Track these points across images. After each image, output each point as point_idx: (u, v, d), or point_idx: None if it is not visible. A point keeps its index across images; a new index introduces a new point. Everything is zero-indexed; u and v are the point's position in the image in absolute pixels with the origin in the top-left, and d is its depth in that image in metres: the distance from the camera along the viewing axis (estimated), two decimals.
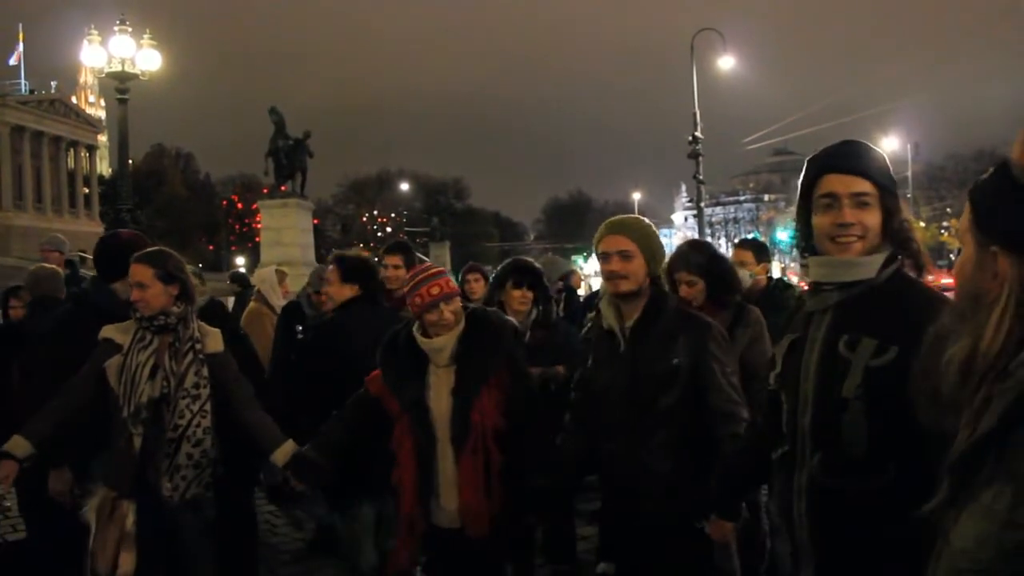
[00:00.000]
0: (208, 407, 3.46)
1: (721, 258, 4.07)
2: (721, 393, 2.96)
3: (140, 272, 3.45)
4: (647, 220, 3.18)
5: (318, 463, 3.38)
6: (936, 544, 1.39)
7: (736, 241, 6.63)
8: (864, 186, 2.14)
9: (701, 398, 2.97)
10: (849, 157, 2.18)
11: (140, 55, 16.04)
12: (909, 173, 58.00)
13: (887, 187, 2.16)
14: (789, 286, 5.23)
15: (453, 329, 3.17)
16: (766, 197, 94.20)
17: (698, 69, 26.18)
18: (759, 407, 3.41)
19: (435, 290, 3.13)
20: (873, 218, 2.14)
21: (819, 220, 2.19)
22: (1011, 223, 1.29)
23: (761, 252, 5.03)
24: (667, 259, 4.02)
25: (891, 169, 2.22)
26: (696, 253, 3.96)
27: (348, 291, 4.35)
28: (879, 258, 2.13)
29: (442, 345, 3.15)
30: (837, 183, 2.16)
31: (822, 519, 2.13)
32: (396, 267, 4.93)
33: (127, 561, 3.33)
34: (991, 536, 1.21)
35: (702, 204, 27.96)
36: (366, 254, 4.91)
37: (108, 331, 3.51)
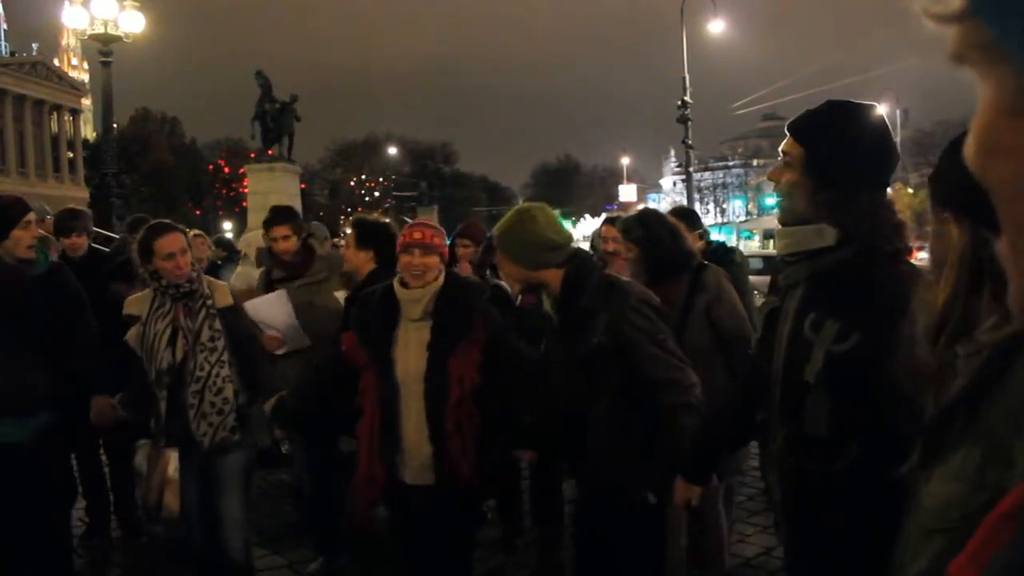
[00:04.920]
0: (225, 357, 3.70)
1: (660, 235, 4.06)
2: (656, 362, 2.89)
3: (179, 240, 3.69)
4: (509, 218, 3.16)
5: (295, 407, 3.56)
6: (910, 507, 1.43)
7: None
8: (790, 146, 2.14)
9: (640, 371, 2.92)
10: (799, 118, 2.18)
11: (123, 16, 15.83)
12: (898, 139, 58.07)
13: (815, 154, 2.09)
14: (730, 249, 5.33)
15: (430, 284, 3.20)
16: (755, 162, 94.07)
17: (688, 33, 26.06)
18: (736, 367, 3.44)
19: (417, 235, 3.22)
20: (787, 180, 2.13)
21: None
22: (951, 189, 1.35)
23: (693, 220, 5.05)
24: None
25: (851, 139, 2.09)
26: (631, 220, 4.05)
27: (363, 257, 4.36)
28: (817, 229, 2.07)
29: (418, 297, 3.18)
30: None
31: (790, 492, 2.17)
32: (285, 238, 4.78)
33: (172, 503, 3.83)
34: (960, 496, 1.23)
35: (691, 169, 27.96)
36: (386, 219, 4.83)
37: (127, 306, 3.80)
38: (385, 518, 3.67)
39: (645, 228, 3.92)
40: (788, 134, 2.16)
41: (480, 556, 4.26)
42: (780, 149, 2.18)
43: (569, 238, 3.12)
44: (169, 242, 3.64)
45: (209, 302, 3.72)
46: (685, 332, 3.69)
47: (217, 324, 3.70)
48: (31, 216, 4.03)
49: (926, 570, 1.30)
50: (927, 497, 1.33)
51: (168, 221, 3.94)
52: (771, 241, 32.54)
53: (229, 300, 3.85)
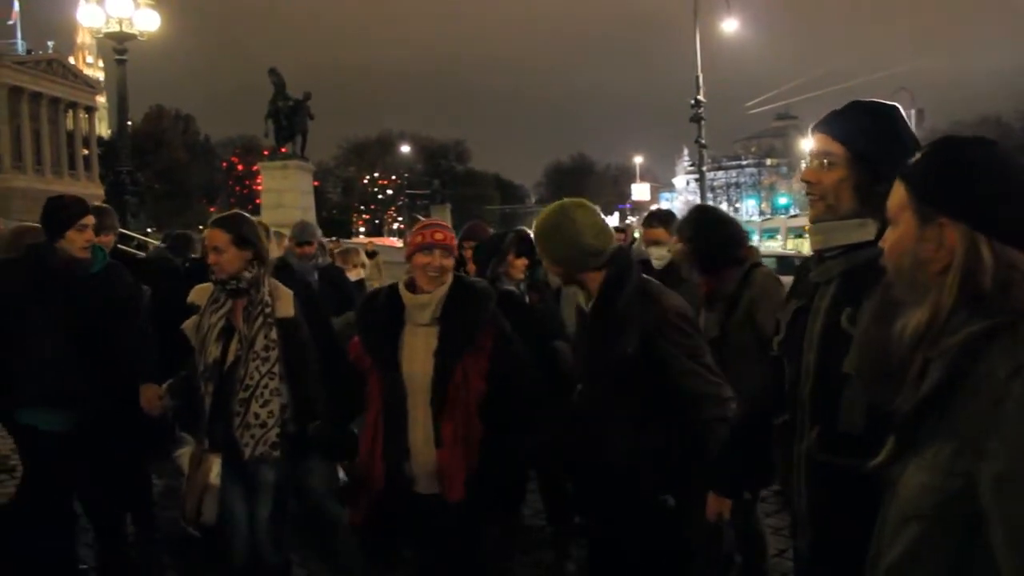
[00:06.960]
0: (277, 369, 3.56)
1: (710, 224, 4.08)
2: (693, 377, 2.88)
3: (216, 237, 3.58)
4: (550, 219, 3.02)
5: (337, 435, 3.47)
6: (884, 497, 1.48)
7: (643, 219, 5.93)
8: (829, 145, 2.10)
9: (673, 384, 2.90)
10: (829, 118, 2.15)
11: (138, 15, 15.92)
12: None
13: (862, 151, 2.07)
14: None
15: (439, 288, 3.14)
16: (768, 161, 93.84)
17: (701, 32, 26.01)
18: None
19: (439, 235, 3.15)
20: (834, 180, 2.09)
21: None
22: (960, 196, 1.40)
23: (669, 223, 5.00)
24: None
25: (890, 135, 2.10)
26: (682, 220, 4.14)
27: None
28: (861, 223, 2.06)
29: (427, 302, 3.12)
30: (814, 143, 2.16)
31: (819, 492, 2.13)
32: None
33: (210, 510, 3.75)
34: (934, 485, 1.35)
35: (704, 168, 27.91)
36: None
37: (192, 295, 3.73)
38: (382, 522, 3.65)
39: (693, 223, 4.02)
40: (824, 134, 2.13)
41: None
42: (814, 150, 2.14)
43: (609, 239, 3.00)
44: (209, 236, 3.65)
45: (268, 310, 3.59)
46: (728, 328, 3.73)
47: (274, 334, 3.56)
48: (88, 219, 4.12)
49: (902, 555, 1.41)
50: (903, 487, 1.43)
51: (226, 216, 3.77)
52: None
53: (291, 311, 3.66)
